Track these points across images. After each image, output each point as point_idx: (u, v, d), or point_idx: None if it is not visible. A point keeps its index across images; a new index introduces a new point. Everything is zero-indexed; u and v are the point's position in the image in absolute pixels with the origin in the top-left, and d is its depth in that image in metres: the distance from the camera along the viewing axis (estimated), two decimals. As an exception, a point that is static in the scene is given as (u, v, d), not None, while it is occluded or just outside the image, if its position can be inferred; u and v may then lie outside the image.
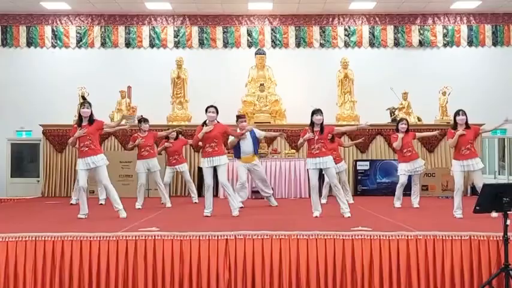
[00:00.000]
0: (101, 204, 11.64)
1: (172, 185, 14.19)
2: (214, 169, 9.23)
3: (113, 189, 8.98)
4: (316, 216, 8.88)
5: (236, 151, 11.08)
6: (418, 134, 11.32)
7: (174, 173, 12.17)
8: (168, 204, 11.14)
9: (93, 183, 12.07)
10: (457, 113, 9.10)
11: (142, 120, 11.18)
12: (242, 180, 11.02)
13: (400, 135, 10.86)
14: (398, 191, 11.00)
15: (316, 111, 8.91)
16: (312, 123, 8.92)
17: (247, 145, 10.92)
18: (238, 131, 10.54)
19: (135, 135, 11.25)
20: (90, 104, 8.92)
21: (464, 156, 8.84)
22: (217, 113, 9.22)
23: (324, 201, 11.34)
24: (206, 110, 9.22)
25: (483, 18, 16.47)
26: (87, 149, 8.73)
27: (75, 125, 8.95)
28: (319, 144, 8.79)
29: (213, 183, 9.38)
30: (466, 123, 9.01)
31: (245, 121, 11.11)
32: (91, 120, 8.87)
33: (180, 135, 12.15)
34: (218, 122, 9.35)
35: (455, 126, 9.07)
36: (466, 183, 11.95)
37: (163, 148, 11.88)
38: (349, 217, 8.74)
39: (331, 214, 9.09)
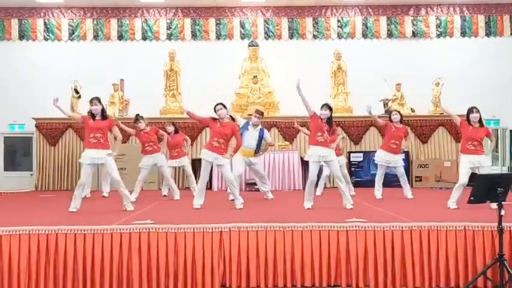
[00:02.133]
0: (104, 196, 11.84)
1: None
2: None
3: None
4: (308, 208, 8.88)
5: None
6: (404, 143, 11.10)
7: (175, 167, 12.14)
8: (177, 197, 11.19)
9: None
10: (470, 111, 8.79)
11: (141, 118, 11.27)
12: (238, 173, 10.72)
13: (396, 125, 10.87)
14: (378, 181, 10.99)
15: (323, 106, 8.95)
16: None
17: (251, 139, 10.67)
18: (252, 122, 10.72)
19: (139, 130, 11.25)
20: (98, 100, 8.73)
21: (470, 151, 8.70)
22: (225, 107, 9.20)
23: (318, 193, 11.30)
24: (215, 110, 9.10)
25: (476, 9, 16.49)
26: (95, 141, 8.60)
27: (89, 115, 8.76)
28: (325, 134, 8.89)
29: (208, 177, 9.38)
30: (480, 120, 8.78)
31: (257, 117, 10.84)
32: (104, 115, 8.75)
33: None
34: (233, 119, 9.55)
35: (468, 123, 8.82)
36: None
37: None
38: (351, 208, 8.74)
39: (326, 206, 9.09)
